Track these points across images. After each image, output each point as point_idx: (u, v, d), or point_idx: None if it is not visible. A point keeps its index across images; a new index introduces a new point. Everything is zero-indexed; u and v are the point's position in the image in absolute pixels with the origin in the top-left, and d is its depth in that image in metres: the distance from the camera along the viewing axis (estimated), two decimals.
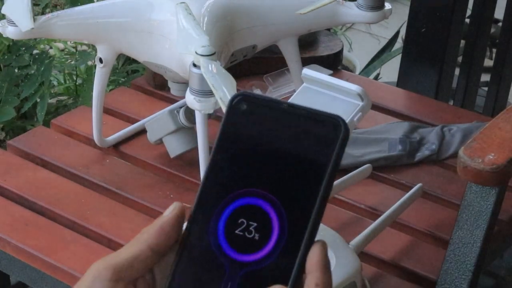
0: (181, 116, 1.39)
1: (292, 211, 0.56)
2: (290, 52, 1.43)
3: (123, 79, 2.15)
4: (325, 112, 0.56)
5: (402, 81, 1.88)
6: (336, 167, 0.56)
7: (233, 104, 0.57)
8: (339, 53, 1.77)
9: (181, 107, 1.41)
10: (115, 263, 0.57)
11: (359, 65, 2.61)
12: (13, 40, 1.94)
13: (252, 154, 0.57)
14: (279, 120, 0.56)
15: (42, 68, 1.97)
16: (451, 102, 1.95)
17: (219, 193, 0.57)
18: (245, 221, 0.57)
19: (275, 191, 0.56)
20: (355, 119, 1.08)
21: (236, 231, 0.57)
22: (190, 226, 0.58)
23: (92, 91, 1.41)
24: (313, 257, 0.56)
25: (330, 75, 1.40)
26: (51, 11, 1.66)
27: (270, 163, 0.57)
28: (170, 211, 0.58)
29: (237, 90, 1.14)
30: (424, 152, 1.49)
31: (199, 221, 0.57)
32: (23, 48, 1.99)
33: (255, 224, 0.56)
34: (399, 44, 2.58)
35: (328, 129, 0.56)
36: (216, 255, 0.56)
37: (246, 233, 0.57)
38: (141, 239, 0.57)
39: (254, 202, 0.57)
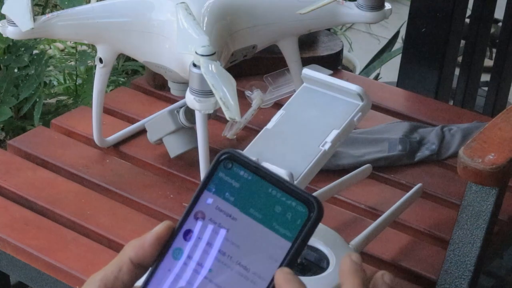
0: (181, 116, 1.39)
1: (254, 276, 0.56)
2: (290, 52, 1.43)
3: (123, 79, 2.15)
4: (303, 191, 0.56)
5: (402, 81, 1.88)
6: (302, 246, 0.56)
7: (219, 160, 0.57)
8: (339, 53, 1.77)
9: (181, 107, 1.41)
10: (102, 275, 0.58)
11: (359, 65, 2.61)
12: (13, 40, 1.94)
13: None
14: (259, 186, 0.57)
15: (40, 69, 1.97)
16: (451, 102, 1.95)
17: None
18: None
19: (240, 255, 0.56)
20: (355, 119, 1.08)
21: None
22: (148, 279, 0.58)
23: (92, 91, 1.41)
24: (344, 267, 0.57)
25: (330, 75, 1.40)
26: (51, 11, 1.66)
27: (241, 227, 0.57)
28: (156, 229, 0.59)
29: (237, 90, 1.13)
30: (424, 152, 1.49)
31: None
32: (23, 49, 1.98)
33: None
34: (399, 44, 2.58)
35: (303, 208, 0.56)
36: None
37: None
38: (125, 251, 0.59)
39: None
